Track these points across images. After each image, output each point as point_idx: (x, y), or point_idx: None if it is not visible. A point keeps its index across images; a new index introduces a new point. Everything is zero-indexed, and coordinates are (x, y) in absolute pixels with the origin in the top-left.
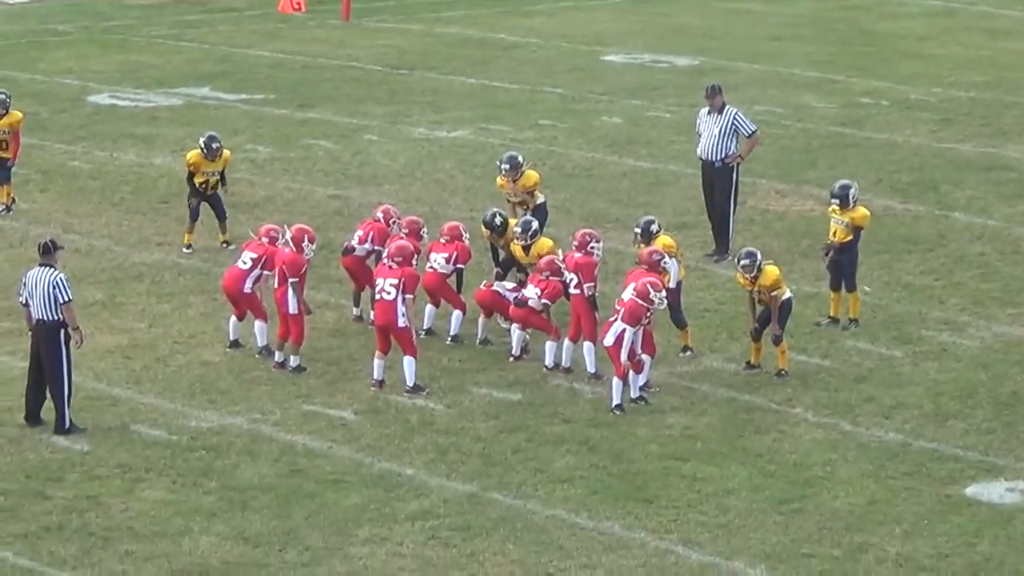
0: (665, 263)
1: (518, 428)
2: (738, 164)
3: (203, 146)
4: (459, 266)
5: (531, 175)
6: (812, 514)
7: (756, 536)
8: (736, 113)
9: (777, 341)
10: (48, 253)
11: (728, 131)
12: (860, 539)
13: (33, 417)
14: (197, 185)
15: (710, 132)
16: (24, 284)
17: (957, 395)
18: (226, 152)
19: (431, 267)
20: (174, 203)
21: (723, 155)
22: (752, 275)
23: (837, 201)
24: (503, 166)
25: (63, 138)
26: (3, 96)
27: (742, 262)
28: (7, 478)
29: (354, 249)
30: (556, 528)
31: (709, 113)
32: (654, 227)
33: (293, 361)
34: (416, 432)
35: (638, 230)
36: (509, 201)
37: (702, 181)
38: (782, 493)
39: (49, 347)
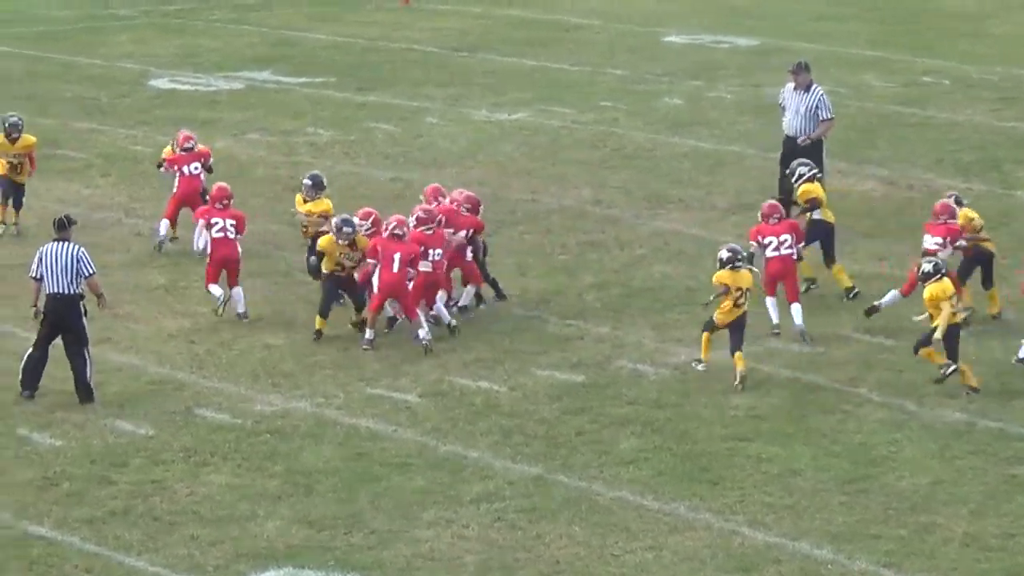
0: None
1: (582, 410)
2: (823, 143)
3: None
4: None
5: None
6: (877, 494)
7: (821, 516)
8: (822, 95)
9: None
10: (64, 228)
11: (812, 110)
12: (926, 519)
13: (33, 387)
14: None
15: (795, 110)
16: (40, 260)
17: (1022, 374)
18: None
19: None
20: (235, 187)
21: (807, 133)
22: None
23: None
24: (305, 181)
25: (124, 123)
26: (16, 120)
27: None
28: (72, 463)
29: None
30: (621, 510)
31: (795, 90)
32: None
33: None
34: (480, 415)
35: None
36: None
37: (781, 156)
38: (847, 473)
39: (73, 319)
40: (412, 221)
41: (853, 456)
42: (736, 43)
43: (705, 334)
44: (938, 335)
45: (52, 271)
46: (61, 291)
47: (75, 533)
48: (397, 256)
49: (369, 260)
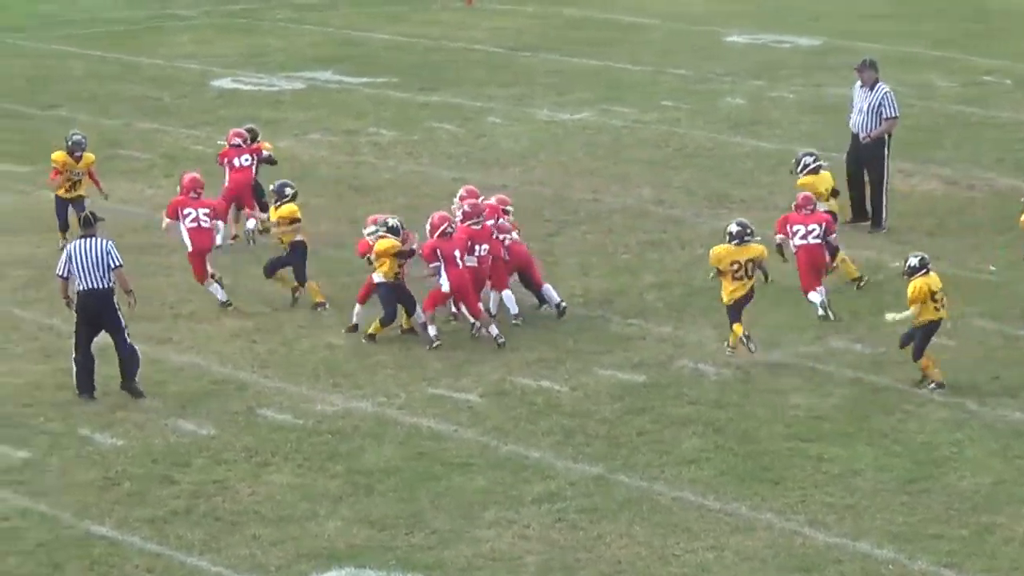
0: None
1: (643, 410)
2: (888, 140)
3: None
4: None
5: None
6: (939, 494)
7: (883, 516)
8: (886, 93)
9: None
10: (90, 224)
11: (876, 108)
12: (987, 519)
13: (90, 391)
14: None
15: (860, 107)
16: (69, 257)
17: None
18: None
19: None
20: (298, 187)
21: (869, 131)
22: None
23: None
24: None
25: (186, 123)
26: (80, 138)
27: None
28: (134, 463)
29: None
30: (682, 510)
31: (861, 87)
32: None
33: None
34: (542, 414)
35: None
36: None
37: (847, 153)
38: (908, 473)
39: (109, 313)
40: (458, 216)
41: (914, 456)
42: (798, 43)
43: (735, 326)
44: (891, 317)
45: (84, 267)
46: (94, 286)
47: (136, 533)
48: (457, 253)
49: (431, 265)
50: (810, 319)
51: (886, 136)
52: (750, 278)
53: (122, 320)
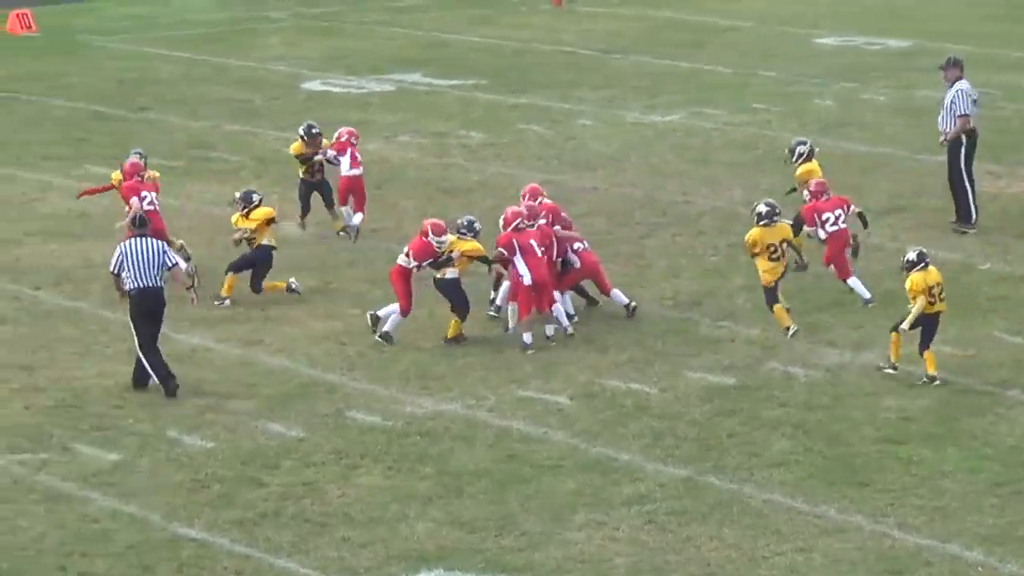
0: None
1: (733, 412)
2: (964, 140)
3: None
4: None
5: None
6: None
7: (972, 519)
8: (960, 90)
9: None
10: (144, 224)
11: (949, 107)
12: None
13: (171, 384)
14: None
15: (942, 106)
16: (124, 255)
17: None
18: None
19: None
20: (387, 189)
21: (947, 130)
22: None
23: None
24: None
25: (276, 125)
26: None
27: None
28: (223, 465)
29: None
30: (772, 512)
31: (947, 86)
32: None
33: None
34: (631, 417)
35: None
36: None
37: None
38: (998, 476)
39: (161, 310)
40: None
41: (1004, 459)
42: (888, 44)
43: (776, 307)
44: (905, 326)
45: (140, 266)
46: (151, 284)
47: (225, 535)
48: (534, 243)
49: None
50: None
51: (962, 136)
52: (784, 257)
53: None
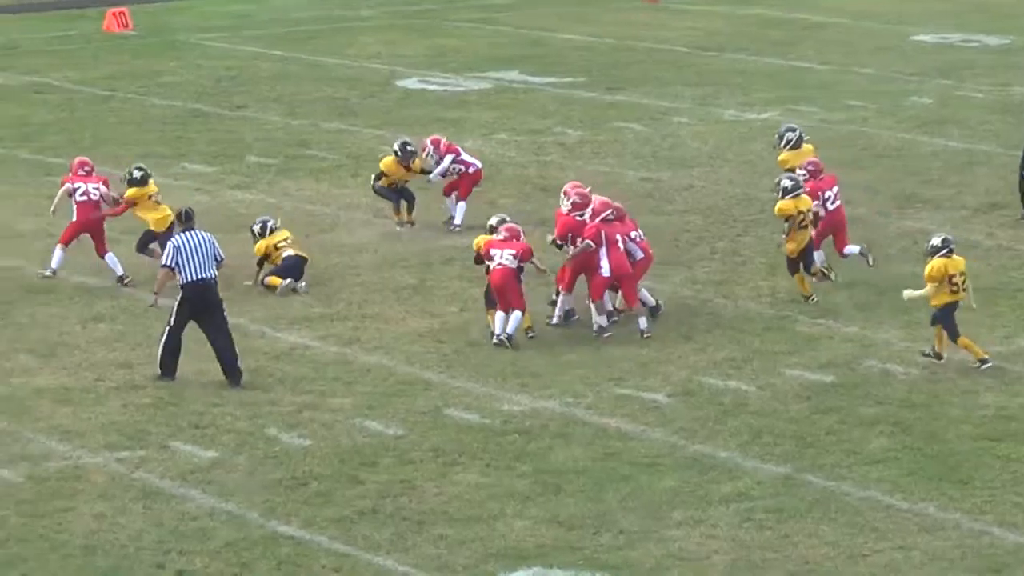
0: None
1: (831, 409)
2: None
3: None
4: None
5: None
6: None
7: None
8: None
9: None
10: (191, 218)
11: None
12: None
13: (172, 373)
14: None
15: None
16: (177, 249)
17: None
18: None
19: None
20: (485, 186)
21: None
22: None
23: None
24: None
25: (372, 123)
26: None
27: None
28: (321, 463)
29: None
30: (870, 510)
31: None
32: None
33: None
34: (729, 414)
35: None
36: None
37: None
38: None
39: (217, 301)
40: (567, 206)
41: None
42: (986, 42)
43: (796, 276)
44: (917, 295)
45: (194, 259)
46: (205, 276)
47: (323, 532)
48: (620, 237)
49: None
50: (1000, 318)
51: None
52: (810, 227)
53: (225, 308)
